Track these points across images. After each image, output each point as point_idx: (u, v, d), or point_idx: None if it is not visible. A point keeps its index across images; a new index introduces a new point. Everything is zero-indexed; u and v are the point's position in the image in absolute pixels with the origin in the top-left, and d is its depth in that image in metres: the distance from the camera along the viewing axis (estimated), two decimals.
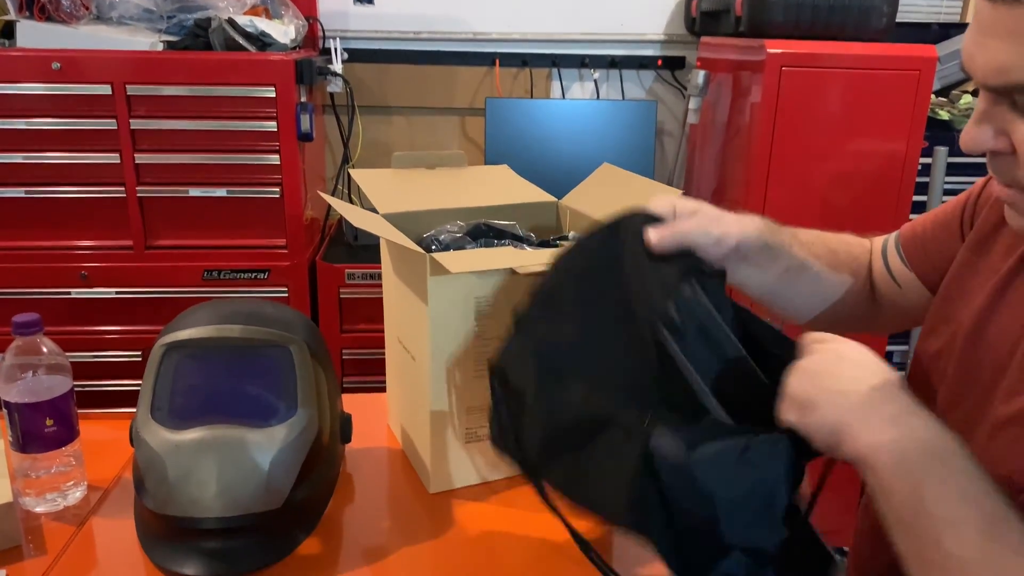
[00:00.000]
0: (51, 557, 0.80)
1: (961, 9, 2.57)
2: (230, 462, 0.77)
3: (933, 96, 1.99)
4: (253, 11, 1.98)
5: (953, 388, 0.76)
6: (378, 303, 1.06)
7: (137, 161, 1.86)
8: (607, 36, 2.43)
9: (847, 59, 1.86)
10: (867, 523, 0.86)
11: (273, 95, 1.84)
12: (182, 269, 1.94)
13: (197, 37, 1.88)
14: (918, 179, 1.93)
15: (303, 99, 1.93)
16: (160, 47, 1.87)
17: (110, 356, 1.97)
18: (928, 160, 1.97)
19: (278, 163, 1.90)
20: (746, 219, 0.79)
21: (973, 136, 0.62)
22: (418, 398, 0.93)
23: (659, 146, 2.50)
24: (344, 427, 0.93)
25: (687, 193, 0.79)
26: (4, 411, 0.84)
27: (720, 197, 2.20)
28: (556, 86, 2.46)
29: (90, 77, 1.80)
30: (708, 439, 0.59)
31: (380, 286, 1.06)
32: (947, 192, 1.97)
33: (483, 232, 1.01)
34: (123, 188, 1.87)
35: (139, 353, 1.96)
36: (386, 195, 1.07)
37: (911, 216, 1.94)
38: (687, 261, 0.70)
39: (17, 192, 1.85)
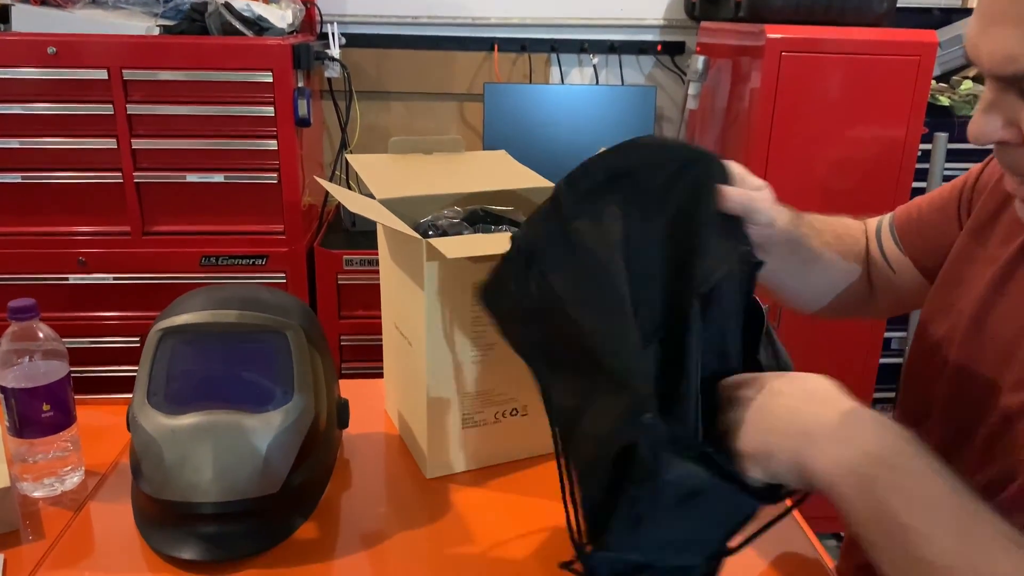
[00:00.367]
0: (49, 542, 0.81)
1: None
2: (227, 447, 0.77)
3: (933, 82, 1.98)
4: None
5: (955, 378, 0.76)
6: (376, 289, 1.06)
7: (134, 146, 1.85)
8: (606, 21, 2.41)
9: (847, 44, 1.85)
10: None
11: (270, 80, 1.84)
12: (180, 255, 1.94)
13: (194, 21, 1.87)
14: (918, 165, 1.93)
15: (300, 84, 1.92)
16: (156, 31, 1.86)
17: (108, 342, 1.98)
18: (928, 146, 1.97)
19: (275, 149, 1.89)
20: (783, 208, 0.77)
21: (981, 127, 0.60)
22: (415, 384, 0.93)
23: (658, 132, 2.49)
24: (341, 412, 0.93)
25: None
26: (1, 396, 0.84)
27: None
28: (555, 71, 2.45)
29: (86, 62, 1.79)
30: (688, 455, 0.57)
31: (378, 272, 1.06)
32: (947, 178, 1.95)
33: (480, 218, 1.01)
34: (120, 174, 1.87)
35: (137, 339, 1.96)
36: (383, 180, 1.06)
37: None
38: (741, 245, 0.68)
39: (14, 178, 1.85)
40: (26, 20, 1.83)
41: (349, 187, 2.30)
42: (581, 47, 2.42)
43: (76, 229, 1.91)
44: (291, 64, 1.85)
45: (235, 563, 0.78)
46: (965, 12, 2.35)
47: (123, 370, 1.98)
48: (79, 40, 1.79)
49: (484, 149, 2.25)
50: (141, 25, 1.84)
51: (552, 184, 1.12)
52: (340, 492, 0.91)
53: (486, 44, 2.39)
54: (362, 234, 2.05)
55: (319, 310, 2.00)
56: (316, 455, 0.85)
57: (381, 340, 1.08)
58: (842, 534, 0.94)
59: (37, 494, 0.87)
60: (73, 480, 0.89)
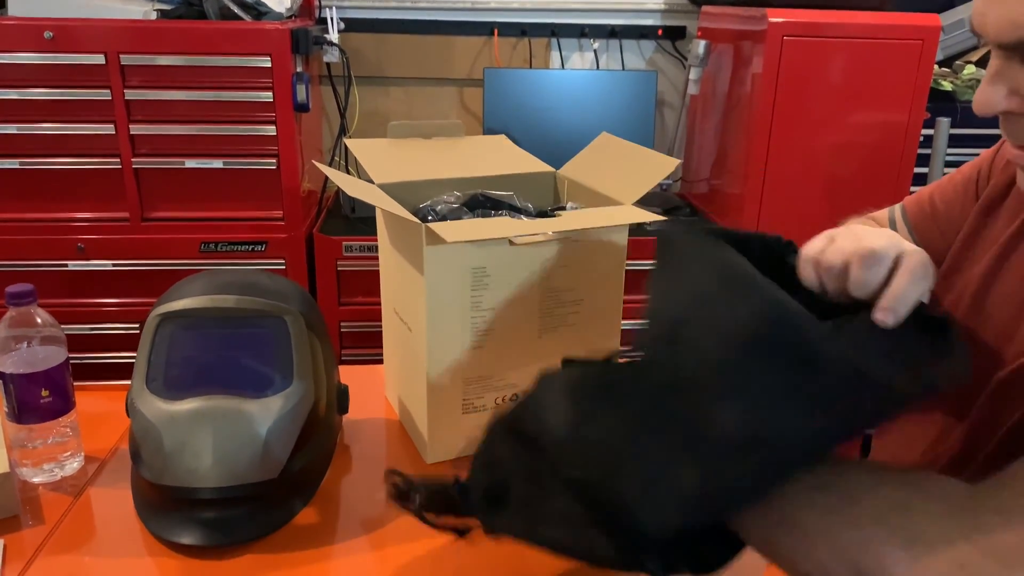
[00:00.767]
0: (48, 527, 0.81)
1: None
2: (226, 432, 0.77)
3: (936, 66, 1.97)
4: None
5: None
6: (376, 275, 1.05)
7: (132, 132, 1.84)
8: (607, 5, 2.40)
9: (849, 28, 1.84)
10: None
11: (269, 65, 1.82)
12: (179, 241, 1.93)
13: (191, 6, 1.86)
14: (920, 150, 1.92)
15: (299, 69, 1.91)
16: (154, 16, 1.84)
17: (107, 328, 1.97)
18: (930, 131, 1.96)
19: (274, 134, 1.88)
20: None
21: (987, 96, 0.60)
22: (415, 369, 0.92)
23: (659, 117, 2.48)
24: (341, 398, 0.93)
25: (686, 165, 0.78)
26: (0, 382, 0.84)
27: (720, 168, 2.19)
28: (555, 56, 2.44)
29: (83, 46, 1.78)
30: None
31: (378, 259, 1.05)
32: (949, 164, 1.96)
33: (480, 202, 1.00)
34: (118, 160, 1.86)
35: (136, 325, 1.96)
36: (382, 165, 1.06)
37: (912, 188, 1.93)
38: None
39: (12, 163, 1.84)
40: (22, 4, 1.81)
41: (348, 172, 2.29)
42: (581, 32, 2.41)
43: (75, 215, 1.90)
44: (289, 49, 1.84)
45: (235, 548, 0.78)
46: None
47: (122, 356, 1.98)
48: (76, 24, 1.77)
49: (484, 134, 2.24)
50: (138, 9, 1.83)
51: (553, 169, 1.12)
52: (340, 477, 0.91)
53: (486, 28, 2.37)
54: (361, 220, 2.05)
55: (319, 296, 2.00)
56: (316, 440, 0.85)
57: (381, 327, 1.08)
58: None
59: (37, 480, 0.87)
60: (73, 466, 0.89)
